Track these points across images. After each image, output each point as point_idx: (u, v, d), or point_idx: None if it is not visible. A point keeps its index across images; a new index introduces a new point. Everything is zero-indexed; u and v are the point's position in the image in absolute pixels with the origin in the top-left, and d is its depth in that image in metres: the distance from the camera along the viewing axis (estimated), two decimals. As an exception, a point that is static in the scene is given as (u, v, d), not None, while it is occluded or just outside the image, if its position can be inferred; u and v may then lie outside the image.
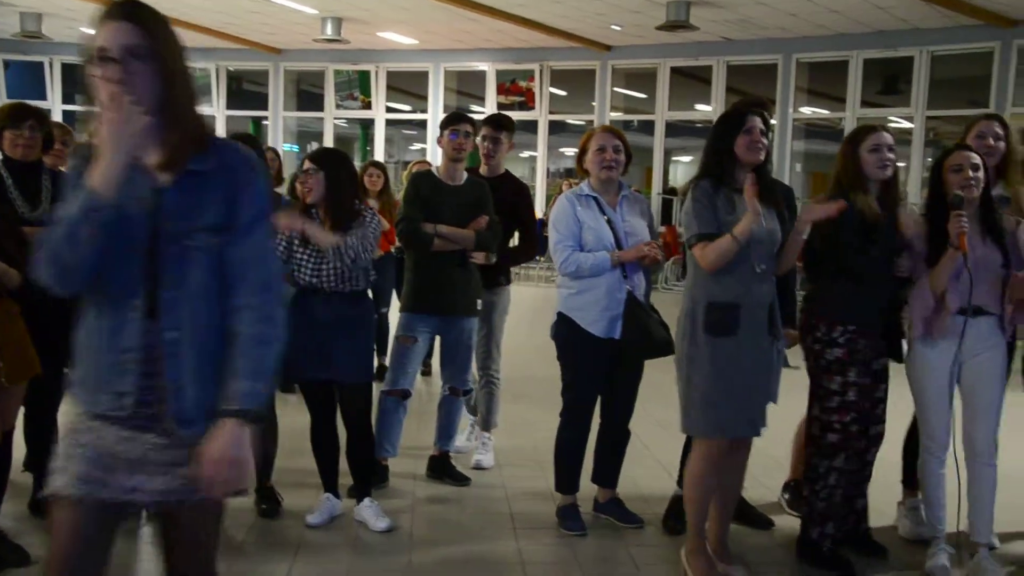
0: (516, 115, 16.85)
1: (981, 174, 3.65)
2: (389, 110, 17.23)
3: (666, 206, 15.34)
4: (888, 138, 3.72)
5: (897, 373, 3.90)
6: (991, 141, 3.97)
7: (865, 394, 3.73)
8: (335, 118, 17.49)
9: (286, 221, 4.00)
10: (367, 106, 17.16)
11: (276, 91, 17.36)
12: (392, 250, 6.79)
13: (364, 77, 17.08)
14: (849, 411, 3.71)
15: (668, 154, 16.33)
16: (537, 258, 13.67)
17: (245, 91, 18.31)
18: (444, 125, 4.72)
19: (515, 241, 5.31)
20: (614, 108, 16.15)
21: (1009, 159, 4.00)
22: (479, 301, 4.75)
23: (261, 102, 17.56)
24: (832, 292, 3.74)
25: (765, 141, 3.54)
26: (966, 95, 14.11)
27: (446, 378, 4.84)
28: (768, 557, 3.93)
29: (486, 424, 5.15)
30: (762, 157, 3.53)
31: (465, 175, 4.74)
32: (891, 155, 3.71)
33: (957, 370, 3.70)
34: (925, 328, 3.70)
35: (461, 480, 4.78)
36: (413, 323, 4.64)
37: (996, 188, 3.95)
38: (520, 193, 5.17)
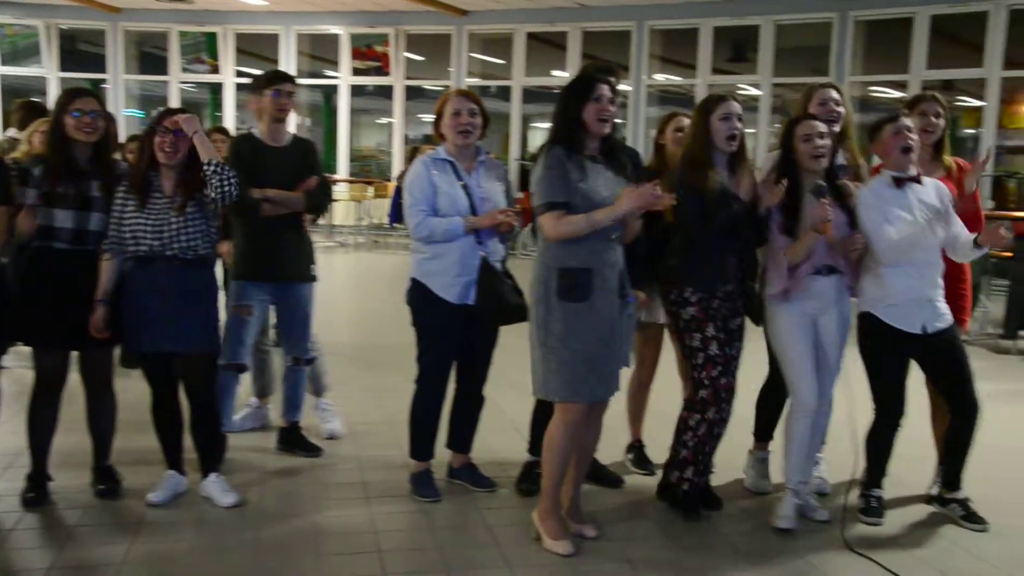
0: (372, 80, 16.62)
1: (828, 142, 3.79)
2: (239, 74, 16.61)
3: (524, 172, 15.39)
4: (737, 107, 3.82)
5: (753, 330, 4.01)
6: (833, 106, 4.10)
7: (727, 347, 3.84)
8: (181, 82, 16.76)
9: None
10: (215, 70, 16.51)
11: (115, 53, 16.47)
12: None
13: (211, 39, 16.42)
14: (716, 365, 3.81)
15: (526, 120, 16.37)
16: (394, 225, 13.59)
17: (81, 52, 17.29)
18: (265, 84, 4.50)
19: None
20: (471, 74, 16.05)
21: (846, 125, 4.13)
22: (313, 266, 4.62)
23: (99, 64, 16.64)
24: (680, 258, 3.83)
25: (613, 109, 3.54)
26: (809, 63, 14.63)
27: (288, 348, 4.71)
28: (618, 515, 3.99)
29: (317, 389, 5.04)
30: (609, 127, 3.54)
31: (289, 135, 4.57)
32: (739, 124, 3.81)
33: (814, 327, 3.86)
34: (781, 289, 3.81)
35: (313, 451, 4.67)
36: (247, 292, 4.48)
37: (837, 156, 4.08)
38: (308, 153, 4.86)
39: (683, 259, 3.84)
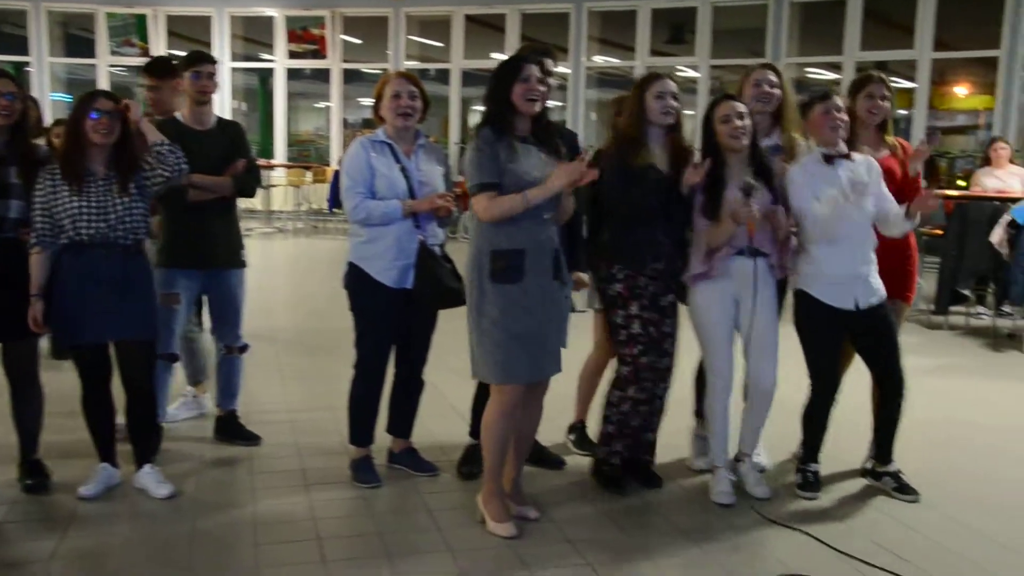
0: (309, 64, 16.39)
1: (748, 122, 3.81)
2: (171, 57, 16.23)
3: (464, 156, 15.31)
4: (672, 86, 3.83)
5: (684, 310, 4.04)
6: (767, 88, 4.12)
7: (653, 327, 3.85)
8: (110, 65, 16.32)
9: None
10: (146, 53, 16.11)
11: (38, 34, 15.93)
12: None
13: (141, 21, 16.00)
14: (636, 343, 3.82)
15: (465, 103, 16.28)
16: (334, 211, 13.45)
17: (4, 34, 16.75)
18: (184, 66, 4.40)
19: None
20: (409, 57, 15.90)
21: (784, 106, 4.16)
22: (243, 251, 4.54)
23: (22, 46, 16.13)
24: (608, 234, 3.85)
25: (542, 89, 3.52)
26: (746, 45, 14.77)
27: (220, 336, 4.62)
28: (560, 496, 4.00)
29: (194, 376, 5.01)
30: (538, 108, 3.53)
31: (215, 118, 4.48)
32: (674, 103, 3.81)
33: (736, 309, 3.88)
34: (702, 270, 3.83)
35: (251, 439, 4.60)
36: (175, 280, 4.37)
37: (773, 137, 4.12)
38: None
39: (612, 236, 3.87)
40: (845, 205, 3.77)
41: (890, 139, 4.23)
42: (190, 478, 4.12)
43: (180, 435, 4.59)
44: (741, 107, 3.83)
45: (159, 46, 16.00)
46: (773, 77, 4.15)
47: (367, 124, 14.99)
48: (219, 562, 3.36)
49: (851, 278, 3.87)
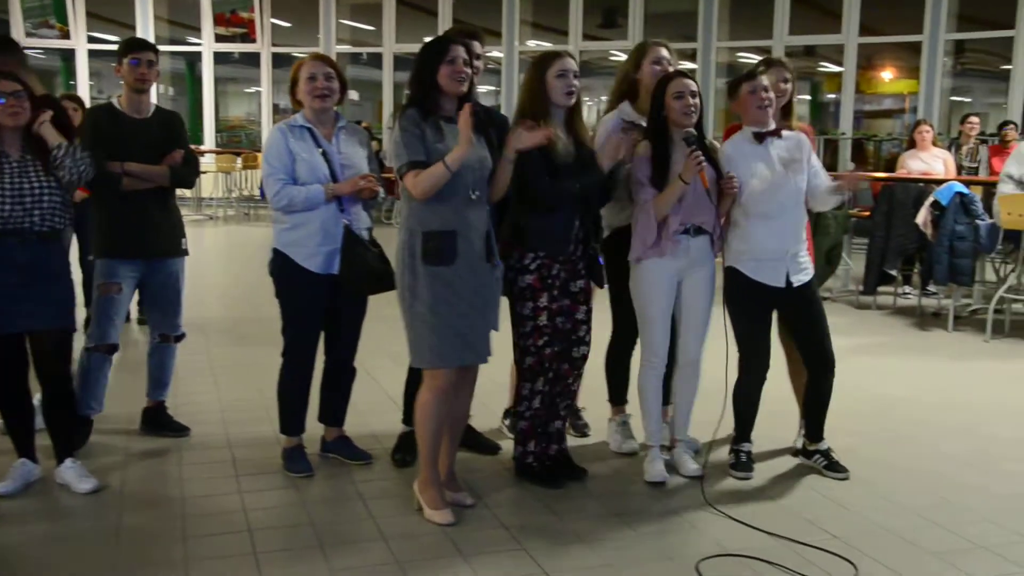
0: (237, 47, 16.07)
1: (699, 100, 3.82)
2: (92, 40, 15.79)
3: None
4: (573, 64, 3.77)
5: (601, 297, 4.03)
6: (666, 64, 4.12)
7: (567, 317, 3.82)
8: (27, 48, 15.80)
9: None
10: (66, 35, 15.64)
11: (-53, 17, 15.43)
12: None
13: (59, 3, 15.51)
14: (543, 335, 3.79)
15: (399, 88, 16.13)
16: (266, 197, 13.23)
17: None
18: (123, 52, 4.25)
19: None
20: (340, 40, 15.72)
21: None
22: (184, 240, 4.42)
23: (-70, 29, 15.56)
24: (523, 220, 3.77)
25: (469, 71, 3.49)
26: (678, 29, 14.87)
27: (155, 325, 4.50)
28: (495, 482, 3.97)
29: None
30: (465, 88, 3.49)
31: (153, 106, 4.35)
32: (576, 81, 3.76)
33: (676, 287, 3.90)
34: (648, 248, 3.84)
35: (180, 431, 4.49)
36: (115, 269, 4.24)
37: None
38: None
39: (532, 222, 3.75)
40: (778, 179, 3.80)
41: (796, 124, 4.28)
42: (116, 472, 4.01)
43: (107, 428, 4.45)
44: (694, 85, 3.84)
45: (78, 29, 15.55)
46: (667, 54, 4.17)
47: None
48: (145, 557, 3.26)
49: (782, 255, 3.90)
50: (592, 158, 3.80)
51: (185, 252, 4.44)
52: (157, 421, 4.50)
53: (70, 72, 16.15)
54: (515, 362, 3.91)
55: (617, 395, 4.39)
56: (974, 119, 10.04)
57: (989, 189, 7.65)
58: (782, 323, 4.11)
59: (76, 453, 3.89)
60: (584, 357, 3.93)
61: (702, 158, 3.69)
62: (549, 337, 3.80)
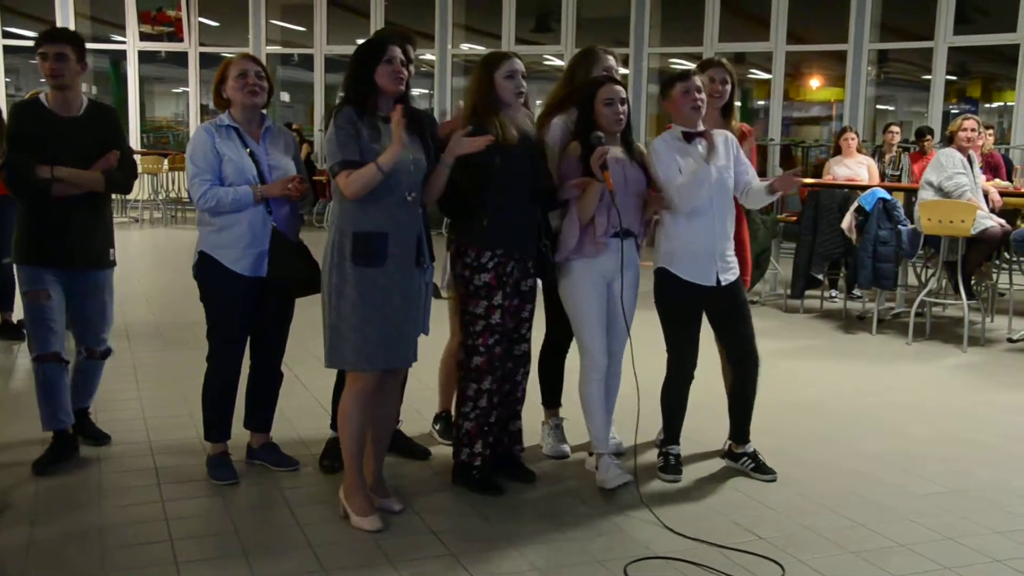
0: (164, 47, 15.75)
1: (627, 107, 3.86)
2: (7, 35, 15.30)
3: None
4: (521, 65, 3.80)
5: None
6: (614, 72, 4.15)
7: (511, 315, 3.83)
8: (-64, 42, 15.31)
9: None
10: (-20, 30, 15.17)
11: None
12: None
13: (-29, -5, 15.05)
14: (493, 334, 3.78)
15: (331, 90, 15.97)
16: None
17: None
18: (35, 46, 3.96)
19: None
20: (271, 41, 15.51)
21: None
22: (112, 250, 4.18)
23: None
24: (486, 219, 3.74)
25: (406, 72, 3.48)
26: (610, 34, 14.97)
27: (79, 337, 4.25)
28: (424, 487, 3.93)
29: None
30: (403, 87, 3.47)
31: (85, 102, 4.05)
32: (524, 83, 3.79)
33: (607, 290, 3.91)
34: (574, 251, 3.84)
35: (101, 439, 4.35)
36: (39, 275, 3.98)
37: None
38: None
39: (490, 220, 3.74)
40: (703, 172, 3.83)
41: (735, 124, 4.33)
42: (30, 483, 3.87)
43: (12, 440, 4.30)
44: (624, 92, 3.87)
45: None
46: (614, 62, 4.21)
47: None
48: (58, 571, 3.15)
49: (711, 253, 3.93)
50: (543, 157, 3.84)
51: (112, 264, 4.19)
52: (77, 428, 4.34)
53: (-17, 68, 15.65)
54: (459, 361, 3.86)
55: (551, 398, 4.38)
56: (895, 128, 10.29)
57: (910, 195, 7.85)
58: (710, 322, 4.13)
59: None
60: (526, 355, 3.93)
61: (608, 159, 3.69)
62: (500, 336, 3.78)
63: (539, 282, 3.99)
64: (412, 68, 3.71)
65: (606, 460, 3.95)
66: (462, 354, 3.85)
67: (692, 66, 4.31)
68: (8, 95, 15.04)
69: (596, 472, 3.96)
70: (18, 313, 6.45)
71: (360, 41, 3.57)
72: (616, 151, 3.85)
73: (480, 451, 3.87)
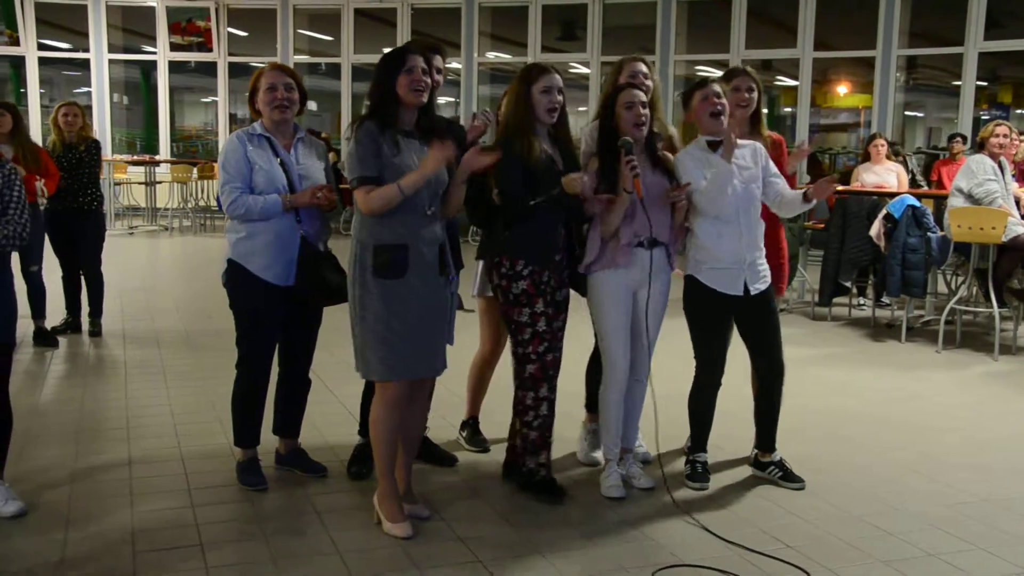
0: (193, 56, 15.91)
1: (649, 111, 3.84)
2: (43, 47, 15.53)
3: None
4: (558, 80, 3.80)
5: (577, 303, 4.02)
6: (642, 79, 4.14)
7: (552, 322, 3.83)
8: (-25, 56, 15.54)
9: None
10: (15, 42, 15.37)
11: None
12: (38, 201, 6.10)
13: (8, 8, 15.25)
14: (543, 341, 3.79)
15: (357, 99, 16.07)
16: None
17: None
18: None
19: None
20: (299, 51, 15.63)
21: (654, 96, 4.19)
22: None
23: None
24: (511, 230, 3.77)
25: (428, 81, 3.48)
26: (636, 42, 14.97)
27: None
28: (452, 495, 3.95)
29: None
30: (423, 99, 3.47)
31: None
32: (560, 97, 3.79)
33: (632, 299, 3.90)
34: (596, 261, 3.84)
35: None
36: None
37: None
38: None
39: (516, 231, 3.77)
40: (726, 174, 3.79)
41: (765, 133, 4.31)
42: (60, 488, 3.92)
43: (52, 441, 4.36)
44: (643, 96, 3.86)
45: (29, 35, 15.30)
46: (645, 68, 4.19)
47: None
48: (91, 574, 3.19)
49: (739, 263, 3.92)
50: (576, 169, 3.82)
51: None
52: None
53: (20, 80, 15.89)
54: (514, 371, 3.88)
55: (594, 402, 4.37)
56: (959, 138, 10.35)
57: (940, 202, 7.78)
58: (738, 330, 4.11)
59: (2, 473, 3.71)
60: (559, 364, 3.91)
61: (635, 164, 3.69)
62: (548, 343, 3.80)
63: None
64: (440, 78, 3.73)
65: (611, 468, 3.97)
66: (515, 363, 3.86)
67: (719, 73, 4.30)
68: (43, 106, 15.25)
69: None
70: (51, 320, 6.56)
71: (386, 50, 3.59)
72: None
73: (545, 461, 3.90)
